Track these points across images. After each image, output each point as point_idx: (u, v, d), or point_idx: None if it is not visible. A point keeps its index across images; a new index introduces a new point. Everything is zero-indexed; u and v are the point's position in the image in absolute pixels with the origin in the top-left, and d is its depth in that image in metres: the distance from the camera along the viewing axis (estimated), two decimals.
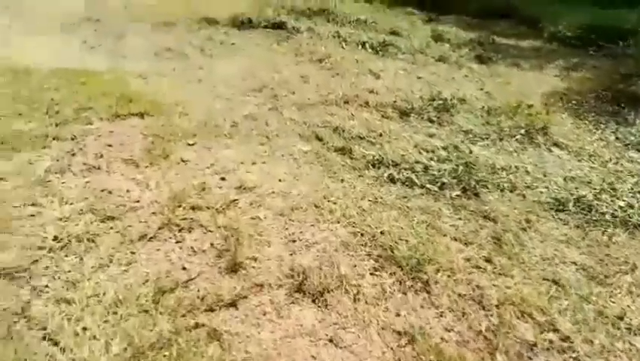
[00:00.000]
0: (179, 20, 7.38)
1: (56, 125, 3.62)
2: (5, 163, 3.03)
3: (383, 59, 6.76)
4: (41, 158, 3.16)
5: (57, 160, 3.15)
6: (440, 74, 6.52)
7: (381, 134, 4.18)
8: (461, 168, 3.53)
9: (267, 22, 7.33)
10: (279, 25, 7.27)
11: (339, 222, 2.78)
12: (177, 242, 2.46)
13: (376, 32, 8.19)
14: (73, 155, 3.25)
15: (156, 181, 2.99)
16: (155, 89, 4.62)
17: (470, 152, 3.97)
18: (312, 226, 2.72)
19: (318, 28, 7.61)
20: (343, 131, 4.10)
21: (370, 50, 7.07)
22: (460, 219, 3.01)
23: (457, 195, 3.26)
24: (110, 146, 3.42)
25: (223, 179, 3.14)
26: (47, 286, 2.08)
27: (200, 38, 6.50)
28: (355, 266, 2.42)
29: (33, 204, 2.64)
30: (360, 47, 7.13)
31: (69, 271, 2.17)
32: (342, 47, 7.01)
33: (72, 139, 3.45)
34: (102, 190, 2.85)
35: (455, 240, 2.78)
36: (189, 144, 3.58)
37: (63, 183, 2.91)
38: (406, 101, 5.10)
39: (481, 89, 6.10)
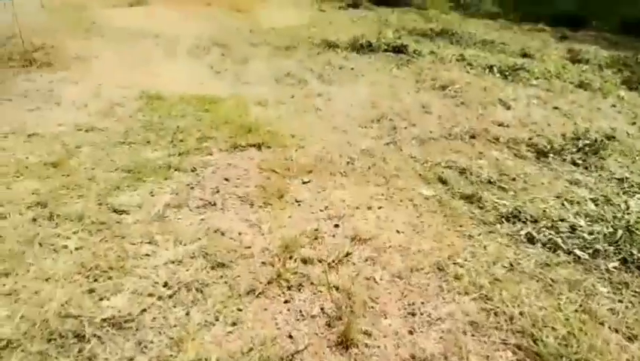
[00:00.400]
0: (300, 44, 7.45)
1: (179, 154, 3.70)
2: (131, 194, 3.12)
3: (514, 85, 6.14)
4: (162, 189, 3.21)
5: (177, 193, 3.17)
6: (581, 104, 5.73)
7: (514, 179, 3.66)
8: (620, 231, 2.91)
9: (387, 45, 7.08)
10: (400, 49, 6.98)
11: (467, 293, 2.38)
12: (285, 301, 2.27)
13: (505, 54, 7.55)
14: (192, 188, 3.26)
15: (269, 225, 2.86)
16: (274, 118, 4.60)
17: (628, 208, 3.29)
18: (435, 295, 2.36)
19: (441, 51, 7.19)
20: (470, 173, 3.66)
21: (498, 75, 6.48)
22: (621, 301, 2.43)
23: (615, 268, 2.67)
24: (227, 180, 3.39)
25: (336, 226, 2.92)
26: (151, 341, 2.00)
27: (320, 63, 6.45)
28: (489, 358, 2.01)
29: (149, 242, 2.64)
30: (487, 71, 6.57)
31: (175, 326, 2.08)
32: (467, 72, 6.52)
33: (192, 170, 3.49)
34: (216, 231, 2.78)
35: (616, 331, 2.22)
36: (304, 182, 3.43)
37: (179, 219, 2.90)
38: (542, 137, 4.50)
39: (634, 123, 5.23)
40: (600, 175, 3.84)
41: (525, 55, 7.60)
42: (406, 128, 4.53)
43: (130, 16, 9.85)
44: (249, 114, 4.66)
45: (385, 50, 6.97)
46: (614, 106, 5.79)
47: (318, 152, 3.91)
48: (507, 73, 6.53)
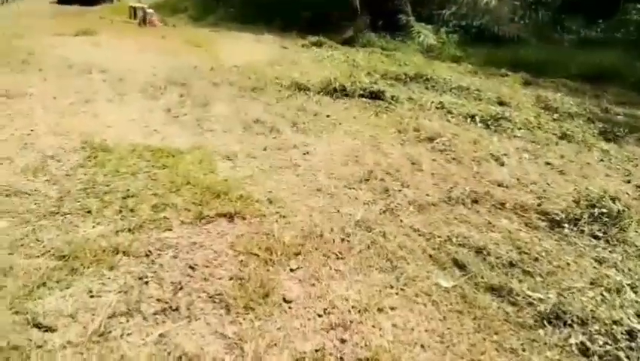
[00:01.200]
0: (267, 85, 6.82)
1: (129, 230, 2.89)
2: (60, 296, 2.28)
3: (499, 137, 5.74)
4: (105, 286, 2.39)
5: (125, 292, 2.36)
6: (570, 159, 5.38)
7: (537, 259, 3.11)
8: None
9: (363, 89, 6.58)
10: (376, 94, 6.49)
11: None
12: None
13: (481, 101, 7.23)
14: (146, 283, 2.46)
15: (253, 345, 2.10)
16: (245, 176, 3.87)
17: None
18: None
19: (419, 97, 6.77)
20: (488, 253, 3.07)
21: (480, 125, 6.08)
22: None
23: None
24: (192, 269, 2.61)
25: (343, 341, 2.20)
26: None
27: (292, 108, 5.83)
28: None
29: None
30: (469, 120, 6.17)
31: None
32: (449, 121, 6.09)
33: (146, 255, 2.69)
34: (180, 358, 1.99)
35: None
36: (291, 270, 2.70)
37: (129, 336, 2.09)
38: (549, 201, 4.02)
39: (629, 182, 4.91)
40: (625, 251, 3.36)
41: (501, 103, 7.33)
42: (400, 191, 3.93)
43: (75, 46, 8.94)
44: (215, 171, 3.91)
45: (361, 95, 6.45)
46: (602, 160, 5.49)
47: (305, 224, 3.21)
48: (489, 122, 6.16)
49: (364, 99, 6.43)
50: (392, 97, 6.48)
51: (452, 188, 4.06)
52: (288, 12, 14.78)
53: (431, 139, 5.21)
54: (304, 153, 4.54)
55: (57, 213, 3.02)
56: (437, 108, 6.46)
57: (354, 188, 3.91)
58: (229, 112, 5.54)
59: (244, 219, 3.20)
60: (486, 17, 13.61)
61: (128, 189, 3.41)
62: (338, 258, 2.87)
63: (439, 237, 3.24)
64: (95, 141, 4.29)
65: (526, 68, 10.71)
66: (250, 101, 6.08)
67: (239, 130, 5.00)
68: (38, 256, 2.56)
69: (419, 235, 3.27)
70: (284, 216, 3.29)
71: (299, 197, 3.63)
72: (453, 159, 4.77)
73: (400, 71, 7.98)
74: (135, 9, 13.36)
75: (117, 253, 2.64)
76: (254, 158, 4.31)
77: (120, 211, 3.11)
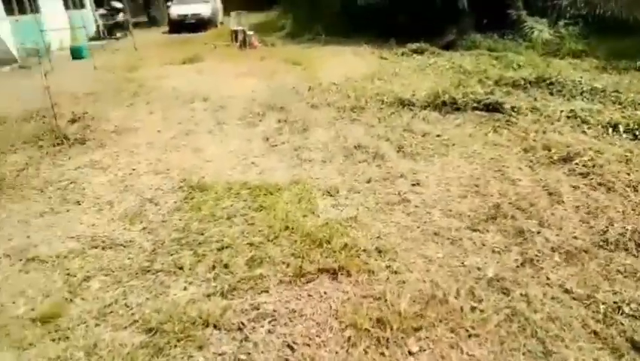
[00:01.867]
0: (367, 103, 6.34)
1: (222, 293, 2.56)
2: None
3: None
4: None
5: None
6: None
7: None
8: None
9: (476, 101, 5.81)
10: (493, 106, 5.68)
11: None
12: None
13: (622, 106, 6.03)
14: None
15: None
16: (348, 217, 3.40)
17: None
18: None
19: (544, 106, 5.81)
20: None
21: (626, 136, 5.00)
22: None
23: None
24: (291, 350, 2.18)
25: None
26: None
27: (396, 129, 5.27)
28: None
29: None
30: (611, 131, 5.11)
31: None
32: (584, 133, 5.09)
33: (239, 328, 2.32)
34: None
35: None
36: (410, 353, 2.15)
37: None
38: None
39: None
40: None
41: None
42: (538, 232, 3.18)
43: (180, 75, 9.26)
44: (316, 212, 3.50)
45: (475, 108, 5.69)
46: None
47: (423, 285, 2.64)
48: (637, 133, 5.04)
49: (478, 112, 5.65)
50: (512, 108, 5.62)
51: (606, 227, 3.21)
52: (385, 20, 14.23)
53: (566, 159, 4.33)
54: (414, 184, 3.96)
55: (149, 270, 2.79)
56: (567, 118, 5.47)
57: (479, 230, 3.24)
58: (328, 137, 5.14)
59: (349, 275, 2.72)
60: (610, 3, 11.82)
61: (223, 238, 3.12)
62: (470, 335, 2.26)
63: (602, 303, 2.48)
64: (193, 179, 4.13)
65: None
66: (350, 123, 5.63)
67: (340, 158, 4.57)
68: (125, 327, 2.31)
69: (573, 298, 2.53)
70: (396, 272, 2.76)
71: (412, 244, 3.07)
72: (600, 184, 3.87)
73: (517, 75, 7.01)
74: (236, 32, 13.74)
75: (207, 326, 2.30)
76: (357, 193, 3.84)
77: (214, 267, 2.81)
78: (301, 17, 17.62)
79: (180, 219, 3.44)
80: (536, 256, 2.92)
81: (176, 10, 19.88)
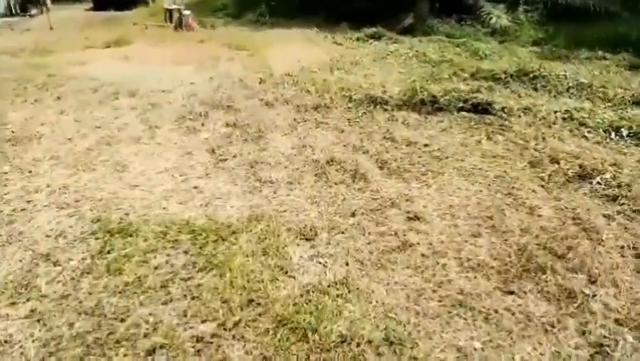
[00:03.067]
0: (333, 100, 5.34)
1: None
2: None
3: None
4: None
5: None
6: None
7: None
8: None
9: (461, 100, 4.97)
10: (482, 106, 4.87)
11: None
12: None
13: (611, 103, 5.43)
14: None
15: None
16: (336, 281, 2.43)
17: None
18: None
19: (534, 106, 5.08)
20: None
21: (630, 141, 4.36)
22: None
23: None
24: None
25: None
26: None
27: (374, 136, 4.34)
28: None
29: None
30: (614, 135, 4.46)
31: None
32: (585, 138, 4.42)
33: None
34: None
35: None
36: None
37: None
38: None
39: None
40: None
41: (637, 102, 5.52)
42: (593, 295, 2.36)
43: (103, 62, 7.78)
44: (290, 270, 2.50)
45: (461, 109, 4.85)
46: None
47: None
48: None
49: (465, 114, 4.83)
50: (503, 109, 4.84)
51: None
52: (336, 1, 13.19)
53: (583, 176, 3.60)
54: (411, 218, 3.04)
55: None
56: (563, 120, 4.78)
57: (514, 292, 2.38)
58: (290, 147, 4.12)
59: None
60: None
61: (155, 328, 2.05)
62: None
63: None
64: (112, 217, 2.98)
65: (627, 48, 8.61)
66: (314, 127, 4.63)
67: (310, 178, 3.57)
68: None
69: None
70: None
71: (434, 324, 2.15)
72: (635, 212, 3.14)
73: (496, 67, 6.25)
74: (170, 11, 12.18)
75: None
76: (341, 233, 2.87)
77: None
78: None
79: (90, 293, 2.31)
80: (606, 340, 2.09)
81: None
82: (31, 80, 6.47)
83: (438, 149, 4.04)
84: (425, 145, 4.11)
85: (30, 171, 3.68)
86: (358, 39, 10.13)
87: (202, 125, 4.67)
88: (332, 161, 3.81)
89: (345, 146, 4.13)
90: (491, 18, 10.95)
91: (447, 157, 3.91)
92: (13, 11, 17.84)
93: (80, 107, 5.27)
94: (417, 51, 8.35)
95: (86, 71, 7.01)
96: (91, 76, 6.69)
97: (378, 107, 5.07)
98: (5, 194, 3.30)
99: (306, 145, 4.14)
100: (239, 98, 5.51)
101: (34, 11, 16.66)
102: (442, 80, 5.98)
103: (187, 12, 11.56)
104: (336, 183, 3.48)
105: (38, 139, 4.37)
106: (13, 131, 4.55)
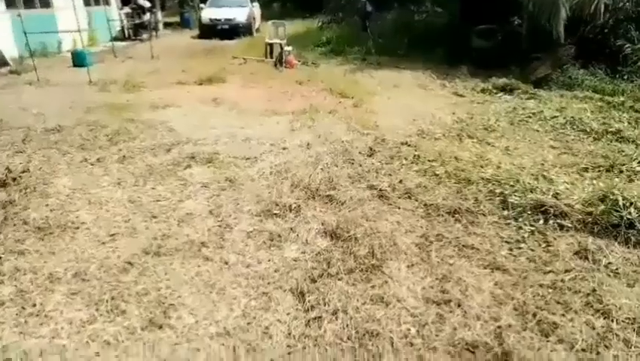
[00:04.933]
0: (479, 203, 3.70)
1: None
2: None
3: None
4: None
5: None
6: None
7: None
8: None
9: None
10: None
11: None
12: None
13: None
14: None
15: None
16: None
17: None
18: None
19: None
20: None
21: None
22: None
23: None
24: None
25: None
26: None
27: (568, 298, 2.60)
28: None
29: None
30: None
31: None
32: None
33: None
34: None
35: None
36: None
37: None
38: None
39: None
40: None
41: None
42: None
43: (190, 105, 6.83)
44: None
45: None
46: None
47: None
48: None
49: None
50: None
51: None
52: (453, 39, 11.55)
53: None
54: None
55: None
56: None
57: None
58: (423, 298, 2.54)
59: None
60: None
61: None
62: None
63: None
64: None
65: None
66: (457, 253, 3.01)
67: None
68: None
69: None
70: None
71: None
72: None
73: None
74: (271, 46, 11.30)
75: None
76: None
77: None
78: (349, 29, 15.11)
79: None
80: None
81: (208, 14, 17.67)
82: (105, 127, 5.59)
83: None
84: None
85: (34, 305, 2.47)
86: (483, 90, 8.38)
87: (291, 230, 3.25)
88: (499, 341, 2.16)
89: (516, 310, 2.46)
90: None
91: None
92: (127, 35, 18.36)
93: (142, 176, 4.15)
94: (565, 114, 6.42)
95: (167, 118, 6.05)
96: (170, 126, 5.68)
97: (550, 221, 3.33)
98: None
99: (450, 297, 2.54)
100: (342, 179, 4.07)
101: (145, 35, 16.88)
102: (636, 173, 4.10)
103: (288, 48, 10.58)
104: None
105: (72, 231, 3.22)
106: (51, 210, 3.48)
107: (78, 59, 10.32)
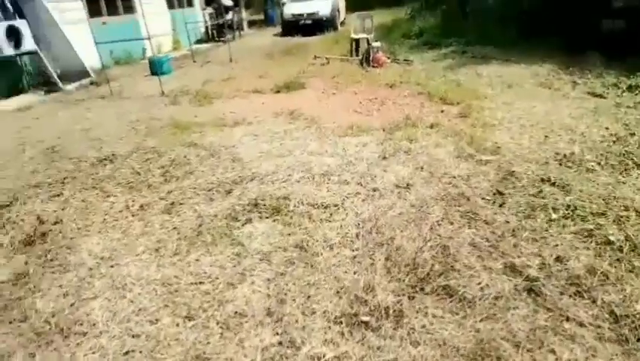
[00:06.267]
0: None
1: None
2: None
3: None
4: None
5: None
6: None
7: None
8: None
9: None
10: None
11: None
12: None
13: None
14: None
15: None
16: None
17: None
18: None
19: None
20: None
21: None
22: None
23: None
24: None
25: None
26: None
27: None
28: None
29: None
30: None
31: None
32: None
33: None
34: None
35: None
36: None
37: None
38: None
39: None
40: None
41: None
42: None
43: (264, 120, 5.81)
44: None
45: None
46: None
47: None
48: None
49: None
50: None
51: None
52: (574, 22, 9.40)
53: None
54: None
55: None
56: None
57: None
58: None
59: None
60: None
61: None
62: None
63: None
64: None
65: None
66: None
67: None
68: None
69: None
70: None
71: None
72: None
73: None
74: (357, 42, 10.04)
75: None
76: None
77: None
78: (445, 18, 13.35)
79: None
80: None
81: (290, 9, 16.81)
82: (162, 155, 4.73)
83: None
84: None
85: None
86: (631, 88, 6.44)
87: (379, 322, 2.01)
88: None
89: None
90: None
91: None
92: (210, 36, 18.10)
93: (188, 238, 3.13)
94: None
95: (234, 141, 5.06)
96: (235, 153, 4.67)
97: None
98: None
99: None
100: (464, 251, 2.73)
101: (229, 36, 16.43)
102: None
103: (376, 44, 9.23)
104: None
105: (76, 342, 2.26)
106: (53, 309, 2.55)
107: (154, 67, 9.84)
